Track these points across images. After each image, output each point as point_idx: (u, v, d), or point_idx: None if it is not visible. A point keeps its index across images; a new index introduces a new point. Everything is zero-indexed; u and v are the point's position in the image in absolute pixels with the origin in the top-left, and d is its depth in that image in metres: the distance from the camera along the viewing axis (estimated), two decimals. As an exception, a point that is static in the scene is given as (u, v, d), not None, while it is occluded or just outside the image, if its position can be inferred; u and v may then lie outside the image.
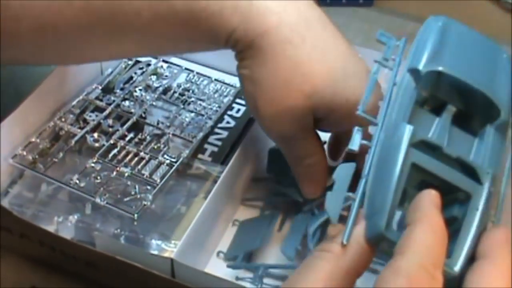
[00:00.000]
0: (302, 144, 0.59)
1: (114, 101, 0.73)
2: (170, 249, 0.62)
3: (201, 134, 0.71)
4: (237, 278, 0.61)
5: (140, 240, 0.63)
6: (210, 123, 0.72)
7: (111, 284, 0.60)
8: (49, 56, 0.60)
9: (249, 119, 0.74)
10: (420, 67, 0.46)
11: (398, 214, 0.43)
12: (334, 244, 0.42)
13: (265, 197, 0.68)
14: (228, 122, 0.74)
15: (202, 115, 0.73)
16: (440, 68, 0.46)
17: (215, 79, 0.78)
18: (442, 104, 0.48)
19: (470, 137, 0.47)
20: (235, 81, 0.77)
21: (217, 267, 0.62)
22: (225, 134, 0.72)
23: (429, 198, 0.42)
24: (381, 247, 0.42)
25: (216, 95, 0.76)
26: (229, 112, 0.75)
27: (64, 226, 0.63)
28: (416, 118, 0.46)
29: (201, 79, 0.78)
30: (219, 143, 0.71)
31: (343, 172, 0.46)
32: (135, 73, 0.78)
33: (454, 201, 0.44)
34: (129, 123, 0.71)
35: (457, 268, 0.41)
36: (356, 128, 0.46)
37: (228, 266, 0.62)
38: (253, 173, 0.69)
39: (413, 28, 0.89)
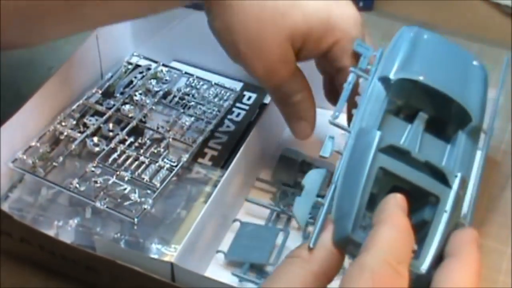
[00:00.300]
0: (287, 81, 0.61)
1: (114, 105, 0.73)
2: (170, 253, 0.62)
3: (201, 138, 0.71)
4: (240, 280, 0.61)
5: (140, 244, 0.63)
6: (210, 127, 0.72)
7: (111, 288, 0.60)
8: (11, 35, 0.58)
9: (249, 123, 0.74)
10: (391, 75, 0.48)
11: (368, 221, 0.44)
12: (303, 249, 0.43)
13: (266, 201, 0.68)
14: (228, 126, 0.74)
15: (202, 119, 0.73)
16: (409, 76, 0.48)
17: (215, 83, 0.78)
18: (417, 112, 0.49)
19: (443, 143, 0.48)
20: (235, 85, 0.78)
21: (217, 271, 0.62)
22: (225, 138, 0.72)
23: (394, 201, 0.43)
24: (349, 250, 0.43)
25: (216, 99, 0.76)
26: (229, 116, 0.75)
27: (64, 230, 0.63)
28: (388, 125, 0.47)
29: (201, 83, 0.78)
30: (219, 147, 0.71)
31: (313, 177, 0.48)
32: (135, 77, 0.78)
33: (425, 206, 0.45)
34: (129, 127, 0.71)
35: (423, 267, 0.42)
36: (328, 136, 0.47)
37: (234, 274, 0.61)
38: (254, 177, 0.69)
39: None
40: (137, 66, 0.79)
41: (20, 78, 0.80)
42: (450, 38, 0.88)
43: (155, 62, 0.80)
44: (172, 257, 0.58)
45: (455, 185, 0.45)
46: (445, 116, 0.49)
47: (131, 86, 0.76)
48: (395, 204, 0.42)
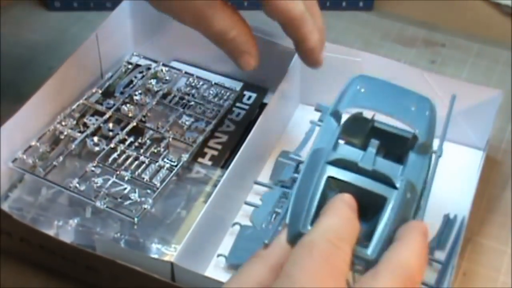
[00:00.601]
0: (219, 18, 0.62)
1: (114, 105, 0.73)
2: (170, 253, 0.62)
3: (201, 138, 0.71)
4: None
5: (140, 244, 0.63)
6: (210, 127, 0.72)
7: (111, 288, 0.60)
8: None
9: (249, 123, 0.74)
10: (340, 109, 0.54)
11: None
12: (261, 249, 0.47)
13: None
14: (228, 126, 0.74)
15: (202, 119, 0.73)
16: (357, 106, 0.54)
17: (215, 83, 0.78)
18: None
19: (395, 164, 0.52)
20: (235, 85, 0.78)
21: (217, 271, 0.62)
22: (225, 138, 0.72)
23: (340, 197, 0.47)
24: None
25: (216, 99, 0.76)
26: (229, 116, 0.75)
27: (64, 230, 0.63)
28: (342, 149, 0.53)
29: (201, 83, 0.78)
30: (219, 147, 0.71)
31: (269, 196, 0.61)
32: (135, 77, 0.78)
33: (377, 211, 0.48)
34: (129, 127, 0.71)
35: (369, 251, 0.45)
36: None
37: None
38: (253, 179, 0.69)
39: (413, 32, 0.90)
40: (137, 65, 0.79)
41: (20, 78, 0.80)
42: (450, 38, 0.89)
43: (155, 62, 0.80)
44: (172, 257, 0.58)
45: (401, 187, 0.48)
46: (397, 145, 0.54)
47: (131, 86, 0.76)
48: (340, 199, 0.46)
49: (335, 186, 0.49)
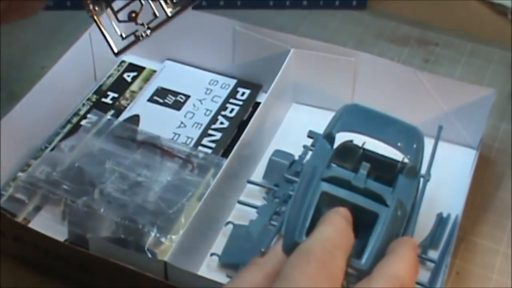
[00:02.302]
0: None
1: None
2: (166, 243, 0.63)
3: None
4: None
5: (138, 231, 0.63)
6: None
7: (104, 286, 0.60)
8: None
9: (243, 121, 0.74)
10: (333, 132, 0.56)
11: None
12: (257, 257, 0.48)
13: (259, 201, 0.68)
14: (222, 123, 0.74)
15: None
16: (347, 130, 0.56)
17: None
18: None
19: (385, 187, 0.53)
20: (229, 82, 0.78)
21: (211, 270, 0.62)
22: (219, 135, 0.72)
23: (335, 210, 0.48)
24: None
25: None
26: (222, 113, 0.75)
27: (71, 208, 0.65)
28: (334, 170, 0.54)
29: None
30: (213, 145, 0.71)
31: (265, 208, 0.63)
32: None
33: (369, 226, 0.50)
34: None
35: (363, 261, 0.47)
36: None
37: (229, 277, 0.61)
38: (247, 176, 0.69)
39: (407, 31, 0.90)
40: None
41: (13, 77, 0.80)
42: (443, 37, 0.89)
43: (149, 60, 0.80)
44: (167, 247, 0.60)
45: (392, 204, 0.51)
46: (386, 170, 0.56)
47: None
48: (336, 211, 0.48)
49: (328, 202, 0.50)
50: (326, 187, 0.51)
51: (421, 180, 0.59)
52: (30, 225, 0.64)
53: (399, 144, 0.55)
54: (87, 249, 0.57)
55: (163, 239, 0.63)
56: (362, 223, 0.49)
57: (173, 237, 0.63)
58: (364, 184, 0.52)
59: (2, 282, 0.62)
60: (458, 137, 0.72)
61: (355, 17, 0.92)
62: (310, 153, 0.68)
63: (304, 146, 0.69)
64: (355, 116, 0.58)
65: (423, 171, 0.58)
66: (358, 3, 0.93)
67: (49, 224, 0.64)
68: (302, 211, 0.50)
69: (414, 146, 0.56)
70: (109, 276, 0.58)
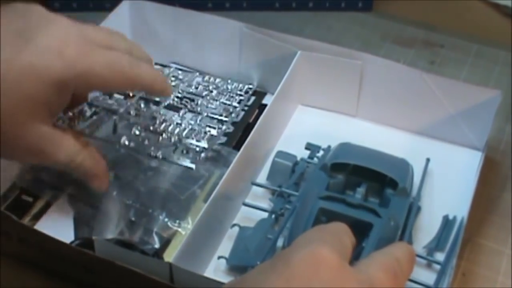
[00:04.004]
0: (62, 149, 0.60)
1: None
2: (174, 228, 0.64)
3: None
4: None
5: (149, 215, 0.64)
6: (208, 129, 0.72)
7: (109, 289, 0.60)
8: None
9: (248, 124, 0.74)
10: (327, 163, 0.63)
11: None
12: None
13: (265, 203, 0.68)
14: (227, 128, 0.74)
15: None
16: (342, 161, 0.63)
17: (216, 85, 0.78)
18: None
19: (378, 206, 0.60)
20: (234, 85, 0.78)
21: (216, 272, 0.62)
22: (224, 139, 0.72)
23: (335, 222, 0.49)
24: None
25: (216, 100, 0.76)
26: (227, 115, 0.74)
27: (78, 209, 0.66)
28: (332, 191, 0.62)
29: (202, 85, 0.78)
30: (219, 148, 0.71)
31: (262, 223, 0.65)
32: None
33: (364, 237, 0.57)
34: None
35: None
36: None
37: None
38: (251, 180, 0.69)
39: (412, 33, 0.90)
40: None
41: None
42: (449, 38, 0.89)
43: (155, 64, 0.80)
44: (176, 232, 0.64)
45: (385, 215, 0.58)
46: (376, 181, 0.63)
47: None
48: (334, 223, 0.49)
49: (326, 217, 0.59)
50: (323, 203, 0.59)
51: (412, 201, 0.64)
52: (36, 227, 0.64)
53: (391, 172, 0.62)
54: (93, 251, 0.58)
55: (170, 224, 0.64)
56: (356, 235, 0.49)
57: (182, 223, 0.64)
58: (358, 201, 0.59)
59: (7, 283, 0.62)
60: (463, 138, 0.72)
61: (360, 19, 0.93)
62: (309, 156, 0.71)
63: (302, 159, 0.70)
64: (349, 150, 0.66)
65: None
66: (364, 5, 0.93)
67: (54, 226, 0.65)
68: (303, 224, 0.58)
69: (405, 175, 0.63)
70: (114, 279, 0.58)
